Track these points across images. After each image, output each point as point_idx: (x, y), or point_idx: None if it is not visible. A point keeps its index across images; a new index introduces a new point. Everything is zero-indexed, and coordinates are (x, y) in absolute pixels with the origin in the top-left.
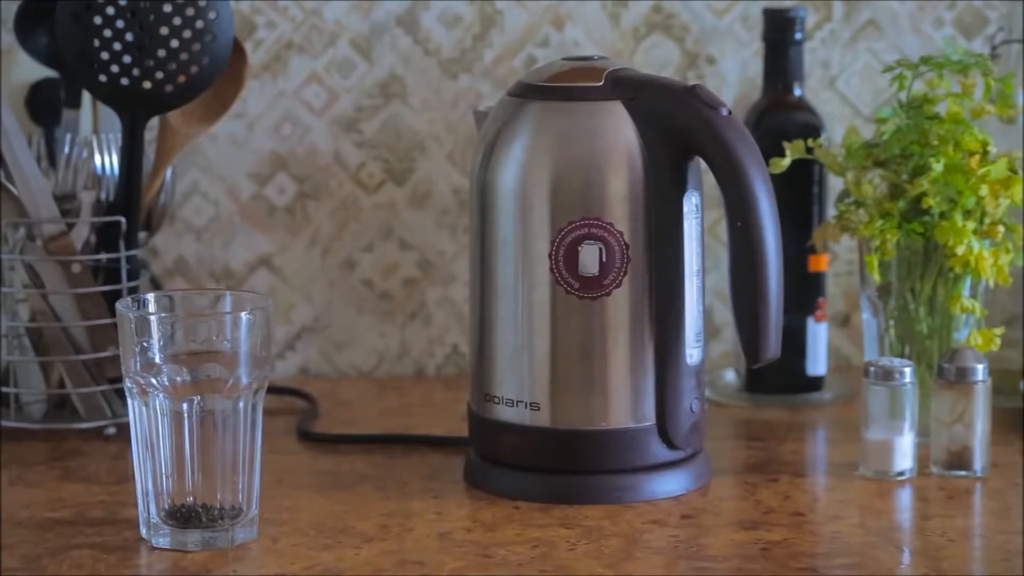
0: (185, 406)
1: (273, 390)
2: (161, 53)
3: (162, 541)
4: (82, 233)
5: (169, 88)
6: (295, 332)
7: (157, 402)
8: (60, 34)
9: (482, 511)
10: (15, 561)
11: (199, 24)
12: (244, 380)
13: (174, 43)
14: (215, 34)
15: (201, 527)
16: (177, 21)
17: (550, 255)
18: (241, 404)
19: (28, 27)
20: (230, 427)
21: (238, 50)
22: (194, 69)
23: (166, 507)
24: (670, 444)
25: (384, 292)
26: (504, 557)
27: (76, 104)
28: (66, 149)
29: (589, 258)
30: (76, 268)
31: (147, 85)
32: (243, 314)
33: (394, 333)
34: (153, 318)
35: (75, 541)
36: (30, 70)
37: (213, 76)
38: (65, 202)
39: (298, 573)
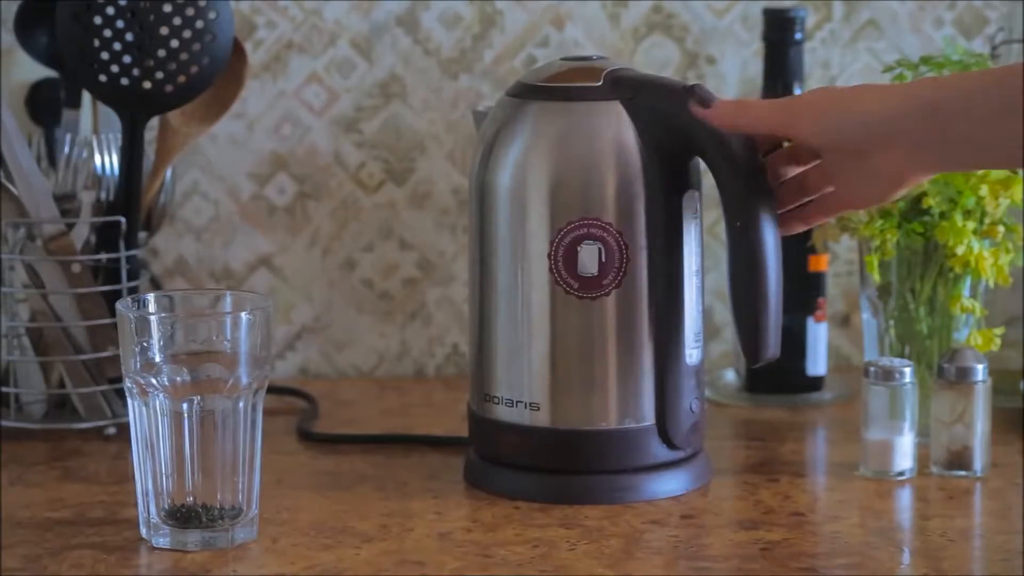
0: (185, 406)
1: (273, 390)
2: (161, 53)
3: (162, 541)
4: (82, 233)
5: (169, 88)
6: (295, 332)
7: (157, 402)
8: (60, 34)
9: (482, 511)
10: (15, 561)
11: (199, 24)
12: (244, 380)
13: (174, 43)
14: (215, 34)
15: (201, 527)
16: (177, 21)
17: (549, 255)
18: (241, 404)
19: (28, 27)
20: (230, 427)
21: (238, 50)
22: (194, 69)
23: (166, 507)
24: (670, 444)
25: (384, 292)
26: (504, 557)
27: (76, 104)
28: (66, 149)
29: (588, 258)
30: (76, 268)
31: (147, 85)
32: (243, 314)
33: (394, 333)
34: (153, 318)
35: (75, 541)
36: (30, 70)
37: (213, 76)
38: (65, 202)
39: (298, 573)
